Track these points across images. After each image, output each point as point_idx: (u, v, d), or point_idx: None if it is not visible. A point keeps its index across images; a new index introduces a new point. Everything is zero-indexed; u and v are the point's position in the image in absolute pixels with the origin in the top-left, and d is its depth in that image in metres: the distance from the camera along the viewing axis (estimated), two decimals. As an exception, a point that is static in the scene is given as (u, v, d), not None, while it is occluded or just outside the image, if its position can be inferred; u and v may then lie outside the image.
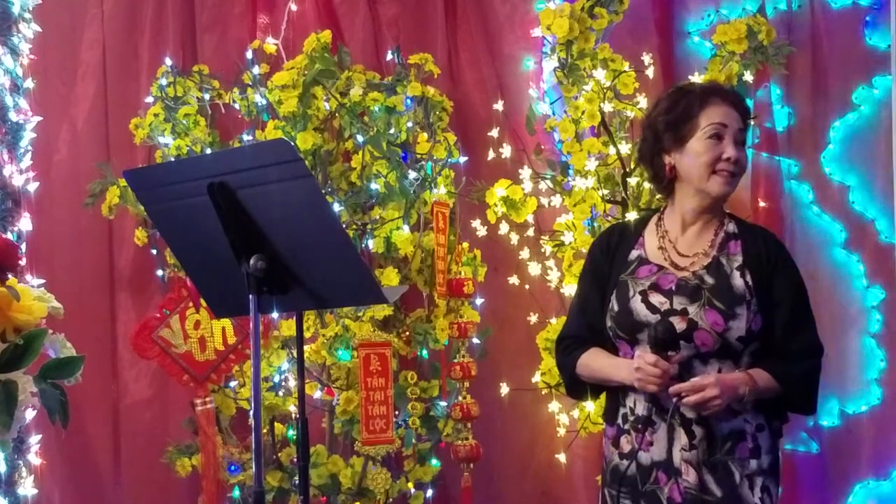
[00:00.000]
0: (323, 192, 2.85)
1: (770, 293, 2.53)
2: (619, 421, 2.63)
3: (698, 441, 2.50)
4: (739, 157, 2.56)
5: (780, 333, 2.54)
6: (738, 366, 2.53)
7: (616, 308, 2.59)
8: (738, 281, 2.53)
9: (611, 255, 2.68)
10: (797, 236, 4.23)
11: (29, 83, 3.41)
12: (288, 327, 3.84)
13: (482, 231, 4.22)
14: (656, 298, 2.54)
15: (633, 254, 2.65)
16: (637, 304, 2.56)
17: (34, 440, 3.23)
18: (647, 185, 3.95)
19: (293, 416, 3.88)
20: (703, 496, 2.49)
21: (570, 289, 3.92)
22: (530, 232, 4.24)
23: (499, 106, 4.32)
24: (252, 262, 2.27)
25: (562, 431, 4.14)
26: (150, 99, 4.13)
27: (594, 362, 2.65)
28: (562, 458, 4.18)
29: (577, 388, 2.75)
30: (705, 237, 2.61)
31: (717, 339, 2.49)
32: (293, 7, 4.37)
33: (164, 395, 4.36)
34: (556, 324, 3.97)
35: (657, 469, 2.55)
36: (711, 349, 2.50)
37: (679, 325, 2.49)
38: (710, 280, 2.54)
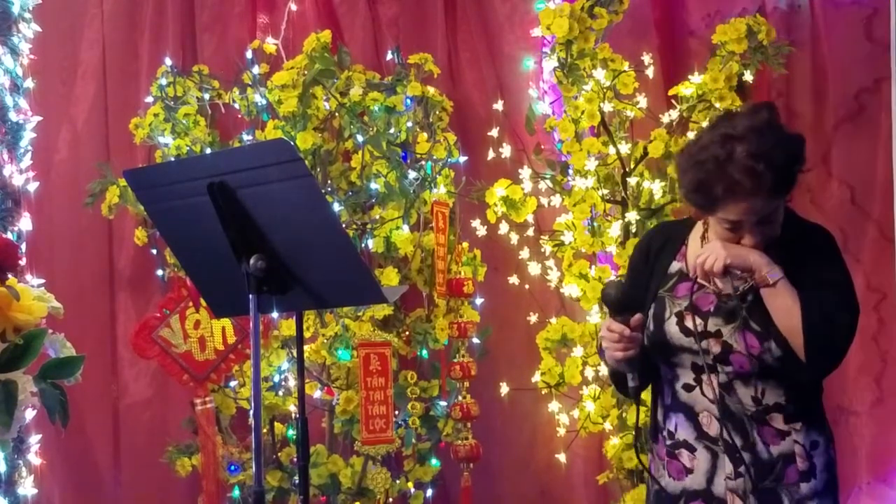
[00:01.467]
0: (323, 191, 2.85)
1: (802, 281, 2.33)
2: (658, 443, 2.50)
3: (745, 469, 2.36)
4: (762, 238, 2.35)
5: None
6: (781, 386, 2.37)
7: (652, 328, 2.45)
8: None
9: (651, 260, 2.53)
10: (797, 236, 4.23)
11: (29, 83, 3.42)
12: (288, 327, 3.84)
13: (482, 231, 4.22)
14: (692, 321, 2.39)
15: (675, 266, 2.49)
16: (672, 327, 2.43)
17: (34, 440, 3.24)
18: (647, 185, 3.96)
19: (293, 415, 3.88)
20: None
21: (570, 289, 3.92)
22: (530, 232, 4.24)
23: (499, 106, 4.32)
24: (252, 261, 2.26)
25: (562, 431, 4.14)
26: (150, 99, 4.13)
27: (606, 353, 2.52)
28: (562, 458, 4.18)
29: (620, 384, 2.54)
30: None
31: (755, 362, 2.34)
32: (293, 7, 4.37)
33: (164, 395, 4.36)
34: (556, 324, 3.97)
35: (690, 499, 2.42)
36: (750, 371, 2.35)
37: (714, 348, 2.36)
38: (749, 299, 2.37)
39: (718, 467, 2.39)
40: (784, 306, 2.31)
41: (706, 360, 2.38)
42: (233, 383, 4.02)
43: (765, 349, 2.34)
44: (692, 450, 2.42)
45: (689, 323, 2.40)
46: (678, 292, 2.46)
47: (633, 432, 2.60)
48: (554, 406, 4.12)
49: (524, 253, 4.23)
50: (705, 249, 2.37)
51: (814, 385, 2.47)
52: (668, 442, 2.46)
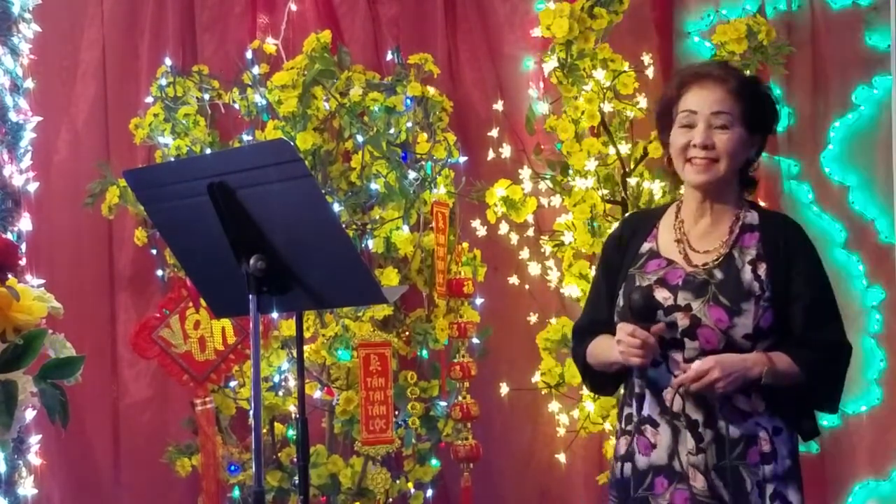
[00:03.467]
0: (323, 192, 2.85)
1: (787, 286, 2.41)
2: (623, 422, 2.54)
3: (706, 444, 2.39)
4: (709, 141, 2.41)
5: (800, 326, 2.41)
6: None
7: (621, 303, 2.49)
8: (748, 275, 2.41)
9: (623, 246, 2.58)
10: (797, 236, 4.23)
11: (29, 83, 3.41)
12: (288, 327, 3.84)
13: (482, 231, 4.22)
14: (661, 294, 2.43)
15: (645, 246, 2.54)
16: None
17: (34, 440, 3.23)
18: (647, 185, 3.96)
19: (293, 416, 3.88)
20: (712, 502, 2.38)
21: (570, 289, 3.92)
22: (530, 232, 4.24)
23: (499, 106, 4.32)
24: (252, 262, 2.26)
25: (562, 431, 4.14)
26: (149, 99, 4.13)
27: (597, 347, 2.56)
28: (562, 458, 4.18)
29: (593, 380, 2.65)
30: (720, 231, 2.49)
31: (722, 337, 2.38)
32: (293, 7, 4.37)
33: (164, 395, 4.36)
34: (556, 324, 3.97)
35: (656, 474, 2.44)
36: (716, 347, 2.38)
37: (682, 321, 2.40)
38: (719, 275, 2.42)
39: (680, 443, 2.41)
40: (788, 378, 2.39)
41: (672, 335, 2.41)
42: (233, 383, 4.02)
43: (733, 324, 2.38)
44: (656, 425, 2.44)
45: (658, 295, 2.44)
46: (647, 268, 2.51)
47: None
48: (554, 406, 4.12)
49: (524, 253, 4.23)
50: (705, 364, 2.36)
51: None
52: (636, 419, 2.49)
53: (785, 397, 2.43)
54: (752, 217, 2.52)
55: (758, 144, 2.52)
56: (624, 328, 2.38)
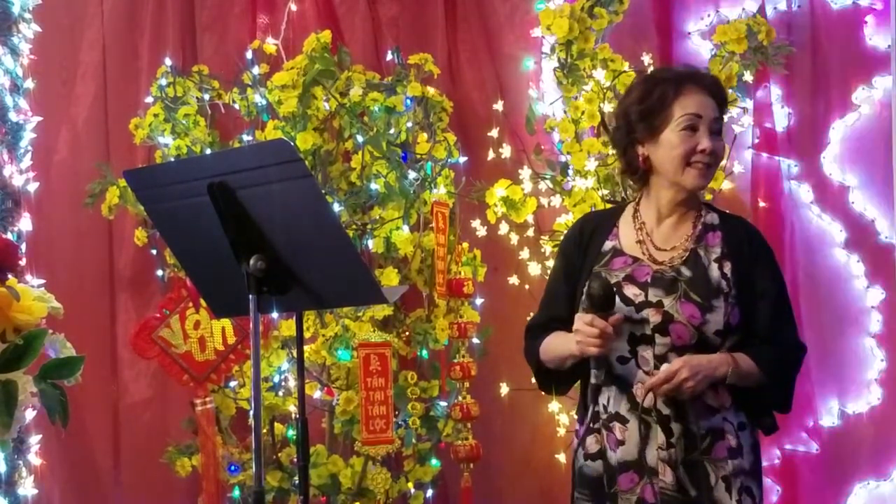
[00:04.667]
0: (323, 192, 2.85)
1: (751, 285, 2.46)
2: (589, 420, 2.52)
3: (676, 439, 2.41)
4: (715, 147, 2.46)
5: (763, 325, 2.46)
6: None
7: (587, 303, 2.46)
8: (715, 273, 2.45)
9: (583, 246, 2.59)
10: (797, 236, 4.24)
11: (29, 83, 3.41)
12: (288, 327, 3.84)
13: (482, 231, 4.22)
14: (631, 290, 2.46)
15: (608, 245, 2.56)
16: None
17: (34, 440, 3.23)
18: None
19: (293, 416, 3.88)
20: (678, 496, 2.40)
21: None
22: (530, 232, 4.24)
23: (499, 106, 4.32)
24: (252, 262, 2.26)
25: (562, 431, 4.14)
26: (149, 99, 4.13)
27: (551, 343, 2.56)
28: (561, 457, 4.18)
29: (544, 378, 2.64)
30: (683, 229, 2.53)
31: (694, 333, 2.41)
32: (293, 7, 4.37)
33: (164, 395, 4.36)
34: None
35: (626, 470, 2.45)
36: (688, 343, 2.41)
37: (654, 317, 2.42)
38: (687, 272, 2.45)
39: (651, 438, 2.43)
40: (750, 378, 2.44)
41: (643, 331, 2.43)
42: (233, 384, 4.02)
43: (705, 320, 2.41)
44: (624, 422, 2.46)
45: (628, 292, 2.45)
46: (614, 266, 2.52)
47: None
48: (554, 406, 4.13)
49: (524, 253, 4.23)
50: (673, 366, 2.38)
51: None
52: (604, 416, 2.50)
53: (747, 394, 2.47)
54: (713, 217, 2.56)
55: None
56: (582, 317, 2.39)
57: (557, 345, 2.53)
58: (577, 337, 2.39)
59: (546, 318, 2.63)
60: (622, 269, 2.51)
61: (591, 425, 2.53)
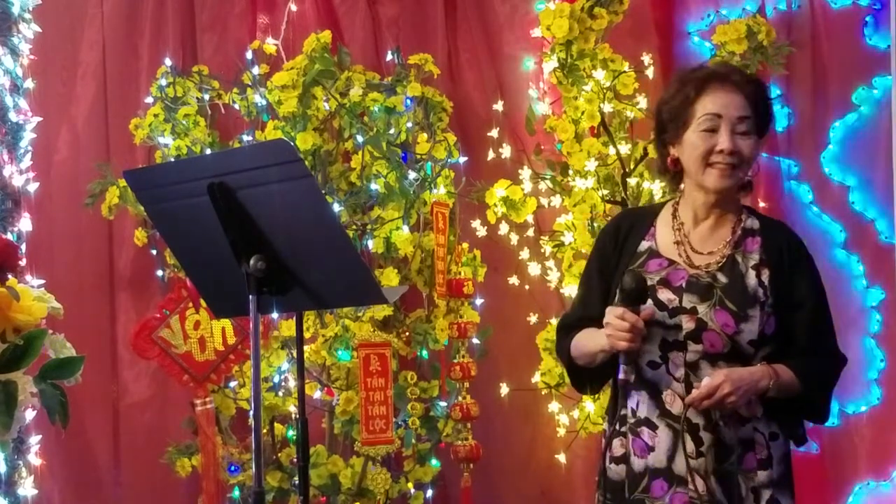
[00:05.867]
0: (323, 192, 2.85)
1: (790, 294, 2.41)
2: (617, 423, 2.47)
3: (706, 448, 2.37)
4: (736, 147, 2.38)
5: (801, 336, 2.41)
6: None
7: (617, 300, 2.41)
8: (752, 281, 2.39)
9: (620, 243, 2.53)
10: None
11: (29, 83, 3.41)
12: (288, 327, 3.84)
13: (482, 231, 4.22)
14: (665, 295, 2.40)
15: (644, 245, 2.50)
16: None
17: (34, 440, 3.23)
18: (646, 185, 3.96)
19: (293, 416, 3.88)
20: None
21: (570, 289, 3.92)
22: (530, 232, 4.24)
23: (499, 106, 4.32)
24: (252, 262, 2.26)
25: (562, 431, 4.14)
26: (149, 99, 4.13)
27: (582, 338, 2.50)
28: (562, 458, 4.18)
29: (577, 376, 2.59)
30: (721, 233, 2.47)
31: (727, 342, 2.36)
32: (293, 7, 4.37)
33: (164, 395, 4.36)
34: (556, 324, 3.97)
35: (653, 477, 2.40)
36: (720, 351, 2.36)
37: (687, 324, 2.37)
38: (723, 279, 2.40)
39: (679, 446, 2.39)
40: (791, 390, 2.39)
41: (675, 337, 2.39)
42: (233, 384, 4.02)
43: (739, 329, 2.36)
44: (654, 427, 2.42)
45: (661, 296, 2.41)
46: (649, 268, 2.47)
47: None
48: (554, 406, 4.12)
49: (524, 253, 4.23)
50: (715, 380, 2.34)
51: None
52: (631, 420, 2.46)
53: (782, 405, 2.42)
54: (753, 222, 2.50)
55: (761, 148, 2.52)
56: (613, 311, 2.34)
57: (588, 340, 2.48)
58: (608, 330, 2.34)
59: (579, 316, 2.58)
60: (657, 271, 2.45)
61: (618, 428, 2.48)
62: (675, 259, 2.47)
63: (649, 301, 2.39)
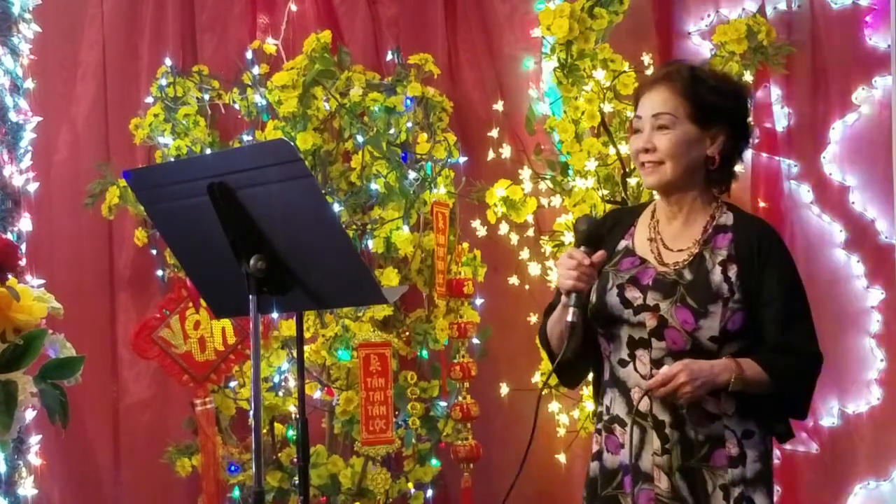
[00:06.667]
0: (323, 192, 2.85)
1: (759, 290, 2.38)
2: (595, 419, 2.52)
3: (671, 445, 2.37)
4: (650, 144, 2.41)
5: (771, 331, 2.39)
6: None
7: (594, 300, 2.46)
8: (717, 277, 2.38)
9: (603, 239, 2.54)
10: (797, 236, 4.23)
11: (29, 83, 3.41)
12: (288, 327, 3.84)
13: (482, 231, 4.22)
14: (632, 293, 2.42)
15: (622, 244, 2.53)
16: (612, 298, 2.44)
17: (34, 440, 3.23)
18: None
19: (293, 416, 3.88)
20: (674, 503, 2.36)
21: (570, 289, 3.91)
22: (530, 232, 4.24)
23: (499, 106, 4.33)
24: (252, 262, 2.26)
25: (562, 432, 4.14)
26: (149, 99, 4.14)
27: (552, 316, 2.51)
28: (562, 458, 4.19)
29: (560, 369, 2.56)
30: (693, 230, 2.47)
31: (688, 339, 2.36)
32: (293, 7, 4.37)
33: (163, 395, 4.36)
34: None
35: (626, 473, 2.42)
36: (683, 348, 2.36)
37: (650, 322, 2.39)
38: (688, 276, 2.40)
39: (647, 443, 2.40)
40: (758, 385, 2.36)
41: (641, 334, 2.41)
42: (233, 384, 4.03)
43: (698, 326, 2.36)
44: (624, 425, 2.43)
45: (629, 294, 2.43)
46: (622, 266, 2.49)
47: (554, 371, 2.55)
48: (554, 406, 4.13)
49: (524, 253, 4.23)
50: (672, 369, 2.33)
51: None
52: (605, 417, 2.49)
53: (755, 402, 2.40)
54: (727, 218, 2.48)
55: (719, 139, 2.44)
56: (563, 253, 2.39)
57: (555, 314, 2.49)
58: (558, 269, 2.36)
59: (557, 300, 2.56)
60: (628, 270, 2.47)
61: (596, 425, 2.53)
62: (647, 257, 2.48)
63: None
